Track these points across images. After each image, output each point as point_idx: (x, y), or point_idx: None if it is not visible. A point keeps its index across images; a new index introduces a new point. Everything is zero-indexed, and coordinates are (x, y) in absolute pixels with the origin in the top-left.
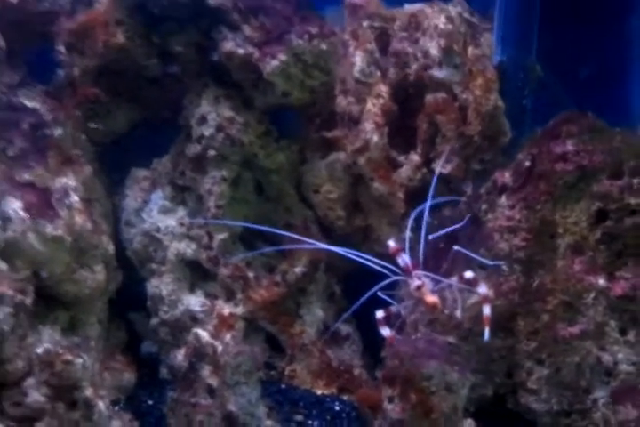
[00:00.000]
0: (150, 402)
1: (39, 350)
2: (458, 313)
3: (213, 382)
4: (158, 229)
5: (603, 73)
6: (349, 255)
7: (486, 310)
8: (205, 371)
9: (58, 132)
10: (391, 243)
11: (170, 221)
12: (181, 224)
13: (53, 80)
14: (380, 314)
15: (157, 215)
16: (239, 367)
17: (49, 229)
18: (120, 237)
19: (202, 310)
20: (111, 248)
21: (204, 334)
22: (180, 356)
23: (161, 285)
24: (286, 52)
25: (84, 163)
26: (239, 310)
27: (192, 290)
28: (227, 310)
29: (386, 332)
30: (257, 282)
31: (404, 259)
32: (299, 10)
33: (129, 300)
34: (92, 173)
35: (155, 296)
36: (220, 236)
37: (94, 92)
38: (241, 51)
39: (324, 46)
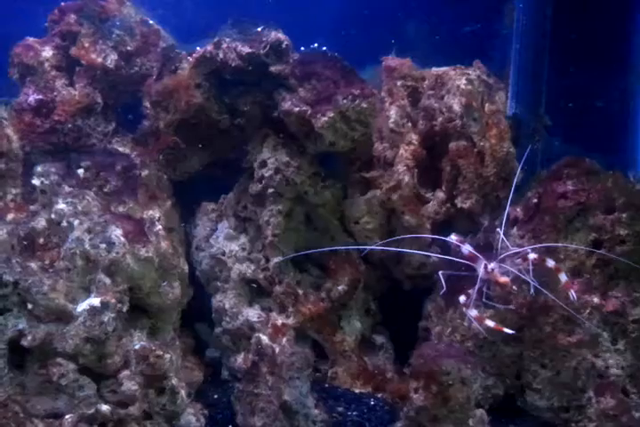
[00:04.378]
0: (215, 396)
1: (137, 347)
2: (532, 289)
3: (272, 376)
4: (223, 253)
5: (603, 124)
6: (419, 252)
7: (562, 277)
8: (265, 368)
9: (145, 173)
10: (454, 236)
11: (233, 246)
12: (243, 249)
13: (139, 129)
14: (462, 299)
15: (223, 241)
16: (293, 365)
17: (142, 252)
18: (190, 260)
19: (258, 320)
20: (186, 268)
21: (264, 338)
22: (239, 359)
23: (224, 299)
24: (334, 110)
25: (165, 198)
26: (290, 321)
27: (250, 304)
28: (280, 320)
29: (473, 313)
30: (305, 298)
31: (468, 248)
32: (345, 75)
33: (195, 312)
34: (171, 206)
35: (219, 309)
36: (276, 259)
37: (174, 141)
38: (296, 109)
39: (364, 105)
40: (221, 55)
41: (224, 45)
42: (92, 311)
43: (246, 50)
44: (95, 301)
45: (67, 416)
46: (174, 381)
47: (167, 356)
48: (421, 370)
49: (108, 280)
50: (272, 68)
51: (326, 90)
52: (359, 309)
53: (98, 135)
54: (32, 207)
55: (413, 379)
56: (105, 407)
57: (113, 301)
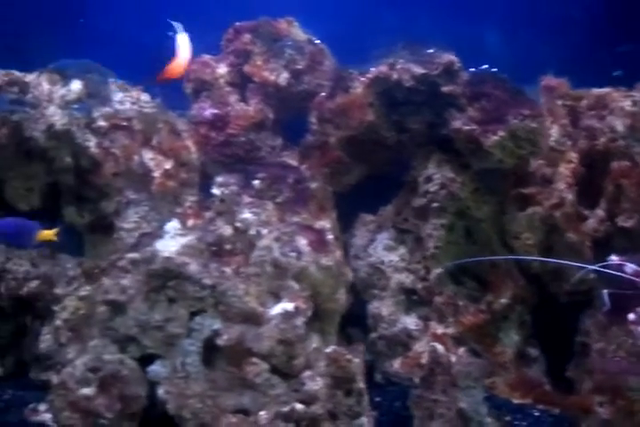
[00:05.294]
0: (378, 399)
1: (328, 350)
2: None
3: (448, 384)
4: (382, 263)
5: None
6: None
7: None
8: (441, 376)
9: (314, 185)
10: (614, 257)
11: (393, 257)
12: (402, 259)
13: (302, 143)
14: (632, 317)
15: (382, 251)
16: (469, 374)
17: (323, 261)
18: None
19: (416, 328)
20: (350, 276)
21: (440, 347)
22: (395, 365)
23: (382, 307)
24: (505, 129)
25: (330, 209)
26: (450, 330)
27: (407, 312)
28: (440, 330)
29: None
30: (465, 309)
31: (632, 267)
32: (514, 95)
33: (348, 317)
34: (336, 216)
35: (375, 315)
36: (437, 270)
37: (340, 156)
38: (466, 127)
39: (534, 124)
40: (395, 76)
41: (398, 66)
42: (287, 315)
43: (420, 71)
44: (289, 305)
45: (262, 413)
46: (361, 384)
47: (356, 360)
48: (605, 385)
49: (296, 287)
50: (443, 89)
51: (496, 110)
52: (515, 321)
53: (267, 148)
54: (207, 214)
55: (597, 393)
56: (299, 406)
57: (304, 306)
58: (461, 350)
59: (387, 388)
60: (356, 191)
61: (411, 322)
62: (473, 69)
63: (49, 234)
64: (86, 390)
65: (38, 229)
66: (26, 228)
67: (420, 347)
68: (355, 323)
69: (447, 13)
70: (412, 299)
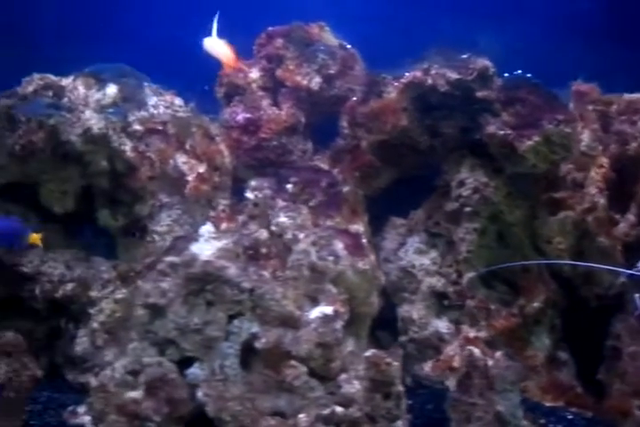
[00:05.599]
0: (410, 402)
1: (368, 354)
2: None
3: (485, 388)
4: (413, 266)
5: None
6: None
7: None
8: (478, 380)
9: (346, 189)
10: None
11: (424, 260)
12: (434, 263)
13: (332, 147)
14: None
15: (412, 255)
16: (506, 378)
17: (360, 264)
18: None
19: (448, 332)
20: (383, 280)
21: (476, 351)
22: (426, 368)
23: (412, 310)
24: (539, 134)
25: (362, 213)
26: (482, 334)
27: (438, 316)
28: (472, 333)
29: None
30: (497, 313)
31: None
32: (548, 100)
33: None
34: (367, 220)
35: (406, 319)
36: (469, 274)
37: (371, 160)
38: (500, 132)
39: (568, 130)
40: (430, 81)
41: (433, 72)
42: (325, 319)
43: (454, 76)
44: (327, 309)
45: (301, 415)
46: (400, 387)
47: (396, 364)
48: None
49: (334, 290)
50: (478, 94)
51: (530, 115)
52: (547, 325)
53: (298, 152)
54: (240, 218)
55: (635, 397)
56: (340, 409)
57: (342, 310)
58: (498, 353)
59: (417, 391)
60: (387, 195)
61: (442, 325)
62: (507, 75)
63: (35, 238)
64: (134, 394)
65: (30, 231)
66: (19, 230)
67: (452, 350)
68: (383, 326)
69: (475, 18)
70: (442, 302)
